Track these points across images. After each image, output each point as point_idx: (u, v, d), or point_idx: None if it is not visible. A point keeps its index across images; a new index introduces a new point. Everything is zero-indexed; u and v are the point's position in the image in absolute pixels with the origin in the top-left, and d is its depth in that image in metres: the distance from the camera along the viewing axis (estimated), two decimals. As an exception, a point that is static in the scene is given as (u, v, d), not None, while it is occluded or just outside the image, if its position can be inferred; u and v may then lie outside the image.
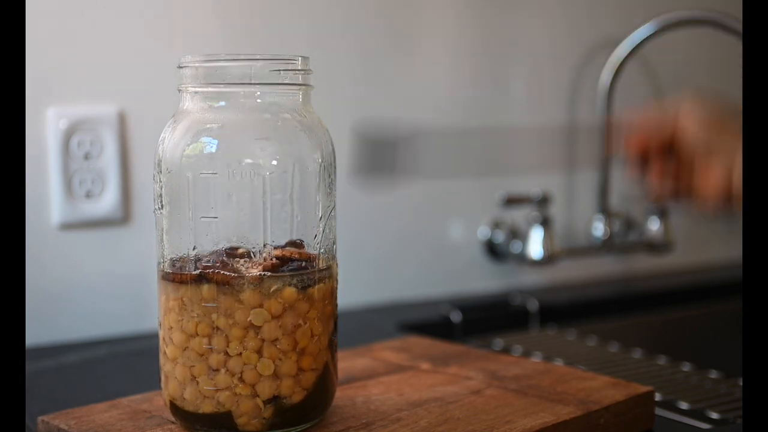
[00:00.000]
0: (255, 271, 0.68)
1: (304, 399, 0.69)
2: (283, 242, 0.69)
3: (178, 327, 0.69)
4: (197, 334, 0.68)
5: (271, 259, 0.68)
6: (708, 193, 0.75)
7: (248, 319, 0.67)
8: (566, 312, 1.30)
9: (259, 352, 0.67)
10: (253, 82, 0.70)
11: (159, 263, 0.71)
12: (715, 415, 0.87)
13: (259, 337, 0.67)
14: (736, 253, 1.58)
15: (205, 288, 0.68)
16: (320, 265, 0.70)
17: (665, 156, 0.78)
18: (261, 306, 0.67)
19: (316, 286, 0.69)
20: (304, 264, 0.69)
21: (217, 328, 0.67)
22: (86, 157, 1.06)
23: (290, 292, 0.68)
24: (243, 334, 0.67)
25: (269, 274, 0.68)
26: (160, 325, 0.71)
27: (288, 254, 0.69)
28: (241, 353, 0.67)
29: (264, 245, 0.69)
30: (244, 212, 0.69)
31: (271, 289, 0.67)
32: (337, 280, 0.73)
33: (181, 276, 0.69)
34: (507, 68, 1.34)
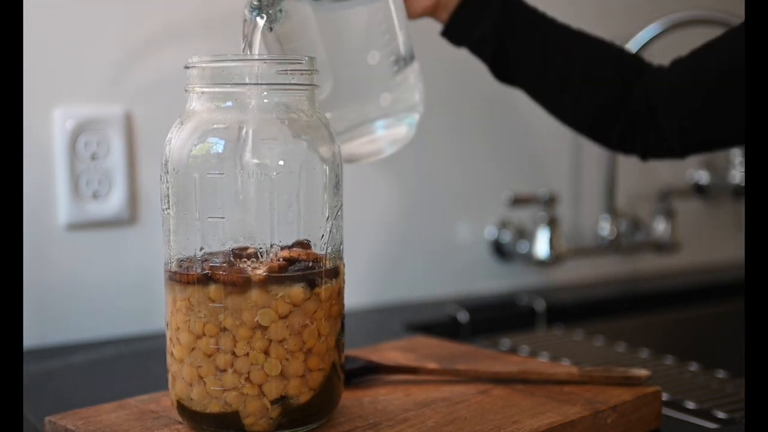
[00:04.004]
0: (262, 272, 0.68)
1: (311, 399, 0.69)
2: (290, 242, 0.69)
3: (185, 327, 0.69)
4: (204, 335, 0.68)
5: (278, 260, 0.68)
6: None
7: (255, 320, 0.67)
8: (573, 312, 1.30)
9: (266, 352, 0.67)
10: (259, 82, 0.70)
11: (166, 264, 0.71)
12: (722, 415, 0.87)
13: (266, 337, 0.67)
14: (742, 253, 1.58)
15: (212, 288, 0.68)
16: (327, 266, 0.70)
17: None
18: (268, 306, 0.67)
19: (323, 286, 0.69)
20: (311, 264, 0.69)
21: (224, 329, 0.67)
22: (93, 157, 1.06)
23: (297, 292, 0.68)
24: (250, 334, 0.67)
25: (276, 274, 0.67)
26: (168, 325, 0.71)
27: (295, 255, 0.69)
28: (248, 353, 0.67)
29: (271, 245, 0.69)
30: (250, 212, 0.69)
31: (278, 290, 0.67)
32: (344, 280, 0.73)
33: (188, 276, 0.69)
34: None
